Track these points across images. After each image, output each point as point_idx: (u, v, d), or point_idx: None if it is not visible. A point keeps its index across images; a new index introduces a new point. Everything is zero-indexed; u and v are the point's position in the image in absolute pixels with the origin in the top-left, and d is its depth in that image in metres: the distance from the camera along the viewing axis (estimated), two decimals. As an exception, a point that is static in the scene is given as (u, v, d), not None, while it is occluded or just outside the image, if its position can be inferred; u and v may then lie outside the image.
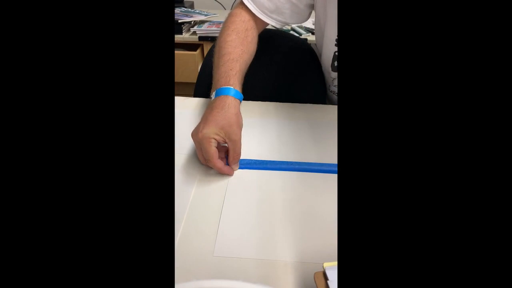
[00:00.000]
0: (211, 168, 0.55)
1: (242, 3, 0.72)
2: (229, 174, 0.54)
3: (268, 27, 0.78)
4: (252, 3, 0.70)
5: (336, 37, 0.74)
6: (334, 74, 0.80)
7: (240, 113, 0.57)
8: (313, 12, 0.78)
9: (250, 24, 0.70)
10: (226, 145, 0.54)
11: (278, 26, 0.76)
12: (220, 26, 0.73)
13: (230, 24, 0.69)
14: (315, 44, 0.89)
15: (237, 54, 0.63)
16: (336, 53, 0.77)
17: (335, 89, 0.85)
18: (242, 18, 0.70)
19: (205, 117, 0.55)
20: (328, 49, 0.77)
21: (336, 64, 0.79)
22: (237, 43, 0.65)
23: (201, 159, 0.56)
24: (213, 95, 0.59)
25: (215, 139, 0.52)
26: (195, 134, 0.54)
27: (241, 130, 0.56)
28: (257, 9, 0.70)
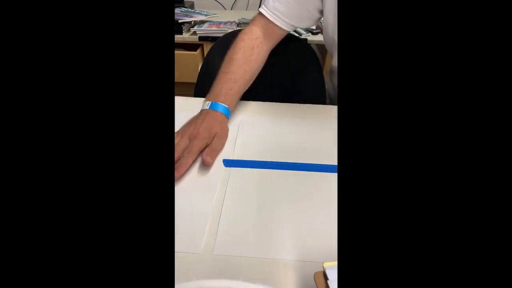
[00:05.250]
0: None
1: (258, 16, 0.77)
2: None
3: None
4: (265, 8, 0.75)
5: None
6: None
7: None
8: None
9: (258, 41, 0.75)
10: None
11: (289, 30, 0.78)
12: (220, 26, 0.77)
13: (239, 41, 0.75)
14: (315, 44, 0.89)
15: (239, 74, 0.70)
16: None
17: None
18: (251, 36, 0.75)
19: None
20: None
21: None
22: (242, 62, 0.72)
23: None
24: (208, 104, 0.64)
25: None
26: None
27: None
28: (270, 12, 0.74)
